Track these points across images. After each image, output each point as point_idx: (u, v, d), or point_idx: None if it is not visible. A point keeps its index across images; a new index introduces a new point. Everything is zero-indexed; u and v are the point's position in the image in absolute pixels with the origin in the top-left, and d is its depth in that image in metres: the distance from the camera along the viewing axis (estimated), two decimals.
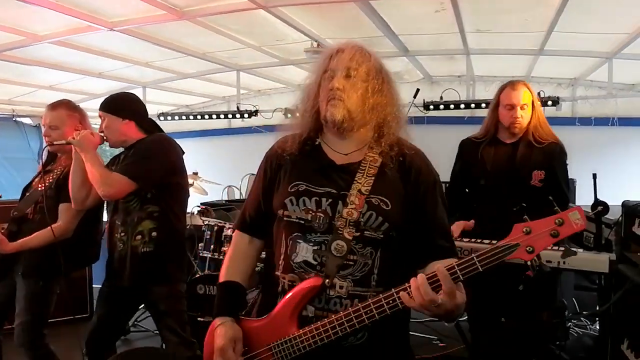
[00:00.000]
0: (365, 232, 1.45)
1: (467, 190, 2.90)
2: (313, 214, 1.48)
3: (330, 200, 1.48)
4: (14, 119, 6.00)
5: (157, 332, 2.77)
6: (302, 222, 1.49)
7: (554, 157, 2.67)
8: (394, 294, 1.33)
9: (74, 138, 2.41)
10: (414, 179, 1.52)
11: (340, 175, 1.51)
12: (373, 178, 1.50)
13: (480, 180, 2.75)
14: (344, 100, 1.48)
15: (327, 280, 1.43)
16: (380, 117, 1.53)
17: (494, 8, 3.93)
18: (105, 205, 2.71)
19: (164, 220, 2.52)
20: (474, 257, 1.27)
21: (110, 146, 2.65)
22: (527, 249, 1.26)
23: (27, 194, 2.88)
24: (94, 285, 5.23)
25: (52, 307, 2.76)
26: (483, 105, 5.26)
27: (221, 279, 1.66)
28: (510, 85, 2.74)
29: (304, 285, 1.44)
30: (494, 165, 2.73)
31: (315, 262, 1.45)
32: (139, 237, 2.47)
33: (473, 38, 4.57)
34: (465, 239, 2.60)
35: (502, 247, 1.27)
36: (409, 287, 1.29)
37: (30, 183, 2.94)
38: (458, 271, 1.28)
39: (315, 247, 1.46)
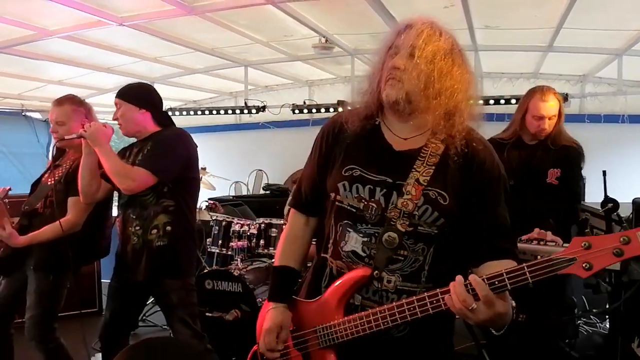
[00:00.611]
0: (419, 228, 1.38)
1: None
2: (365, 203, 1.42)
3: (384, 190, 1.41)
4: (23, 114, 6.03)
5: (166, 326, 2.78)
6: (354, 210, 1.43)
7: (569, 157, 2.74)
8: (439, 293, 1.27)
9: (85, 131, 2.41)
10: (476, 172, 1.40)
11: (397, 163, 1.42)
12: (433, 168, 1.40)
13: (509, 181, 2.77)
14: (403, 81, 1.37)
15: (376, 272, 1.39)
16: (449, 105, 1.39)
17: (502, 4, 3.91)
18: (117, 197, 2.69)
19: (178, 214, 2.53)
20: (525, 267, 1.18)
21: (123, 134, 2.65)
22: (584, 265, 1.15)
23: (37, 188, 2.90)
24: (102, 280, 5.26)
25: (63, 301, 2.78)
26: (491, 101, 5.24)
27: (276, 262, 1.64)
28: (541, 94, 2.73)
29: (353, 274, 1.41)
30: (519, 166, 2.77)
31: (364, 254, 1.41)
32: (154, 231, 2.49)
33: (481, 34, 4.55)
34: None
35: (557, 259, 1.17)
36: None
37: (40, 178, 2.96)
38: (506, 279, 1.19)
39: (365, 239, 1.41)
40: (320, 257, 1.54)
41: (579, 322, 3.62)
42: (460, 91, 1.40)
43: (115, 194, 2.70)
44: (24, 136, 5.96)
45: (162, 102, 2.72)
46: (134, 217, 2.52)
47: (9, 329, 2.88)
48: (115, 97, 2.58)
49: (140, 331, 4.61)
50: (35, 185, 2.94)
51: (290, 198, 1.73)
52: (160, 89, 6.42)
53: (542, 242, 2.51)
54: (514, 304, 1.28)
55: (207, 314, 3.60)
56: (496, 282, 1.19)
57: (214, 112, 6.36)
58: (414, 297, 1.31)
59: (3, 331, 2.86)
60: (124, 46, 4.65)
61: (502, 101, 5.17)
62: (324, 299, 1.47)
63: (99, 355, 4.13)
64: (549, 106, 2.71)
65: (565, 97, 5.10)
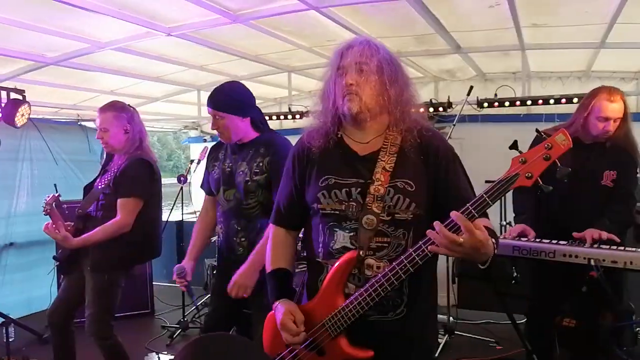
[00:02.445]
0: (395, 215, 1.57)
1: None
2: (346, 204, 1.60)
3: (359, 189, 1.60)
4: (78, 124, 6.29)
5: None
6: (337, 212, 1.61)
7: (623, 163, 2.66)
8: (421, 245, 1.46)
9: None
10: (433, 158, 1.62)
11: (364, 165, 1.62)
12: (395, 156, 1.61)
13: (564, 179, 2.71)
14: (359, 94, 1.58)
15: (362, 252, 1.56)
16: (400, 105, 1.62)
17: (551, 1, 3.80)
18: (225, 199, 2.64)
19: None
20: (483, 194, 1.43)
21: (225, 141, 2.65)
22: (527, 175, 1.41)
23: (89, 193, 3.06)
24: (154, 283, 5.42)
25: (118, 299, 2.92)
26: (540, 102, 5.09)
27: (268, 269, 1.79)
28: (608, 94, 2.63)
29: (342, 260, 1.57)
30: (574, 166, 2.70)
31: (353, 247, 1.58)
32: None
33: (529, 33, 4.43)
34: (545, 241, 2.55)
35: (505, 179, 1.42)
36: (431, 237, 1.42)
37: (92, 182, 3.11)
38: (472, 210, 1.42)
39: (352, 234, 1.59)
40: (313, 263, 1.69)
41: (638, 329, 3.47)
42: (405, 91, 1.64)
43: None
44: (79, 145, 6.22)
45: (255, 100, 2.72)
46: (239, 228, 2.56)
47: (70, 327, 3.03)
48: (213, 109, 2.54)
49: (190, 332, 4.73)
50: (88, 189, 3.09)
51: (271, 216, 1.89)
52: (206, 96, 6.56)
53: (596, 245, 2.43)
54: (493, 240, 1.47)
55: None
56: (465, 215, 1.40)
57: None
58: (402, 257, 1.48)
59: (65, 328, 3.02)
60: (172, 55, 4.79)
61: (552, 101, 5.01)
62: (322, 293, 1.61)
63: (153, 355, 4.27)
64: (616, 108, 2.60)
65: None
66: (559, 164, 1.45)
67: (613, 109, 2.61)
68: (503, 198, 4.97)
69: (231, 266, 2.56)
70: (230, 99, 2.56)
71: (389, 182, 1.57)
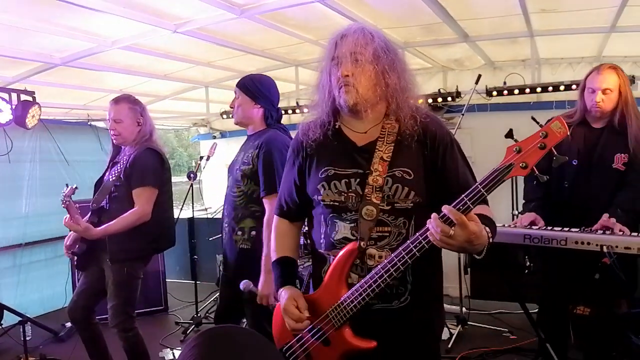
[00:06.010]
0: (395, 205, 1.57)
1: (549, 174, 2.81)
2: (345, 195, 1.60)
3: (358, 179, 1.59)
4: (89, 124, 6.33)
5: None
6: (337, 203, 1.61)
7: (638, 143, 2.62)
8: (419, 237, 1.45)
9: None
10: (430, 144, 1.60)
11: (362, 156, 1.62)
12: (393, 145, 1.60)
13: (572, 161, 2.70)
14: (355, 85, 1.56)
15: (362, 243, 1.56)
16: (397, 92, 1.60)
17: None
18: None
19: (262, 220, 2.55)
20: (478, 185, 1.40)
21: (234, 122, 2.79)
22: (521, 165, 1.37)
23: (100, 186, 3.10)
24: (167, 280, 5.46)
25: (138, 291, 2.98)
26: (550, 89, 5.04)
27: (273, 257, 1.82)
28: (597, 68, 2.69)
29: (343, 252, 1.58)
30: (583, 148, 2.70)
31: (353, 237, 1.59)
32: (239, 232, 2.62)
33: (537, 19, 4.37)
34: (556, 228, 2.53)
35: (499, 169, 1.39)
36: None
37: (102, 177, 3.15)
38: (467, 201, 1.38)
39: (352, 225, 1.59)
40: (316, 253, 1.71)
41: None
42: (402, 78, 1.61)
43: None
44: (90, 144, 6.26)
45: (279, 99, 2.80)
46: (226, 214, 2.69)
47: (92, 320, 3.09)
48: (236, 86, 2.73)
49: (204, 328, 4.76)
50: (98, 183, 3.13)
51: (275, 208, 1.92)
52: (214, 92, 6.58)
53: (608, 232, 2.40)
54: (488, 230, 1.45)
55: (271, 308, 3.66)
56: (461, 207, 1.38)
57: None
58: (400, 248, 1.47)
59: (88, 322, 3.08)
60: (178, 52, 4.80)
61: (562, 88, 4.95)
62: (325, 284, 1.62)
63: (167, 351, 4.32)
64: (603, 78, 2.62)
65: (632, 80, 4.81)
66: (555, 153, 1.39)
67: (598, 79, 2.63)
68: (514, 187, 4.96)
69: (224, 248, 2.71)
70: (250, 82, 2.71)
71: (387, 172, 1.56)
